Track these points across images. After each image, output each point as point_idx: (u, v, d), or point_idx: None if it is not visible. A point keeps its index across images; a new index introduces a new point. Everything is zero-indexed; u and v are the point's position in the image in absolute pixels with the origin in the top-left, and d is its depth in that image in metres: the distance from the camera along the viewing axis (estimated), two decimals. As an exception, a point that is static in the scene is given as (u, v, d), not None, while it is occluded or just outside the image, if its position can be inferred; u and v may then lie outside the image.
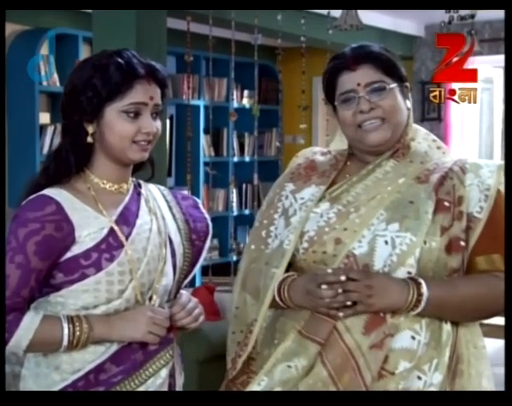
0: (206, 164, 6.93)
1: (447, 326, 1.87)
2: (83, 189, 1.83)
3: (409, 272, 1.84)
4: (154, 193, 1.96)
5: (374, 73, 1.92)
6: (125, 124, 1.80)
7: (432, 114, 8.09)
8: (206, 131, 7.06)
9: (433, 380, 1.83)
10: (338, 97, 1.96)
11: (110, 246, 1.79)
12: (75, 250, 1.77)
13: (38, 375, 1.81)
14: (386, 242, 1.85)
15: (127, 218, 1.84)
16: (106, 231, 1.79)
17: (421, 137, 2.03)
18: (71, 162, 1.82)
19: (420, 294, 1.81)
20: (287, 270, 1.93)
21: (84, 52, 5.87)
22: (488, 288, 1.87)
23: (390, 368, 1.82)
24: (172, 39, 5.63)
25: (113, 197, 1.86)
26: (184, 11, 4.99)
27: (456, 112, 7.95)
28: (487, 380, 1.92)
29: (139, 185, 1.95)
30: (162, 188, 2.01)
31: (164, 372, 1.85)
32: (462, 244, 1.87)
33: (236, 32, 5.14)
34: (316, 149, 2.12)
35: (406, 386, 1.82)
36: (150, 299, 1.84)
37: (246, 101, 7.45)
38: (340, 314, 1.82)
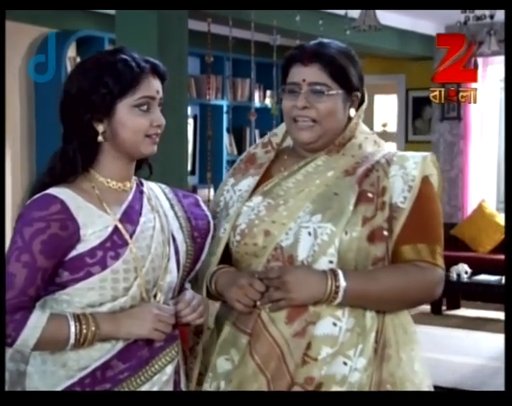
0: (229, 163, 6.91)
1: (371, 313, 1.88)
2: (87, 187, 1.80)
3: (330, 261, 1.86)
4: (155, 191, 1.94)
5: (321, 74, 1.93)
6: (138, 118, 1.78)
7: (451, 113, 7.99)
8: (229, 130, 7.05)
9: (357, 365, 1.85)
10: (285, 86, 1.98)
11: (115, 244, 1.76)
12: (80, 249, 1.74)
13: (44, 373, 1.79)
14: (309, 233, 1.88)
15: (130, 216, 1.82)
16: (110, 229, 1.76)
17: (358, 131, 2.03)
18: (77, 162, 1.79)
19: (337, 286, 1.83)
20: (227, 261, 1.98)
21: (109, 54, 5.86)
22: (408, 278, 1.88)
23: (313, 354, 1.84)
24: (196, 40, 5.62)
25: (117, 195, 1.83)
26: (205, 13, 4.96)
27: (476, 111, 7.85)
28: (420, 364, 1.94)
29: (141, 183, 1.92)
30: (163, 186, 1.98)
31: (169, 369, 1.82)
32: (385, 233, 1.88)
33: (256, 33, 5.10)
34: (259, 141, 2.14)
35: (331, 371, 1.84)
36: (155, 296, 1.81)
37: (268, 101, 7.42)
38: (267, 310, 1.86)
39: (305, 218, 1.89)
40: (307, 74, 1.93)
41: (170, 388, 1.84)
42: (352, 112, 1.98)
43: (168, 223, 1.87)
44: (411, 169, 1.92)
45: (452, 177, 8.07)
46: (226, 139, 7.13)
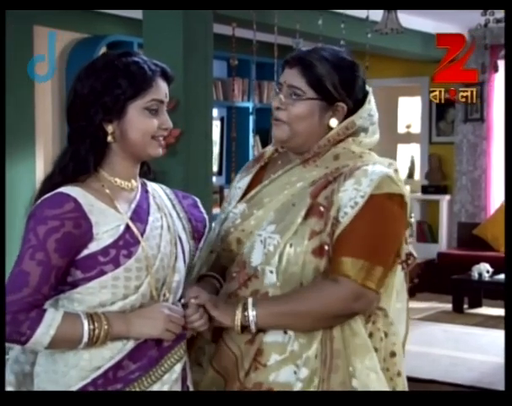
0: (255, 163, 6.86)
1: None
2: (97, 187, 1.77)
3: (271, 271, 1.84)
4: (158, 191, 1.92)
5: (298, 78, 1.89)
6: (147, 120, 1.76)
7: (474, 115, 7.90)
8: (255, 131, 7.02)
9: (300, 375, 1.82)
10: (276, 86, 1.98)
11: (127, 243, 1.72)
12: (93, 247, 1.70)
13: (56, 373, 1.74)
14: (261, 241, 1.87)
15: (140, 215, 1.79)
16: (122, 228, 1.73)
17: (342, 141, 1.93)
18: (89, 162, 1.76)
19: (246, 315, 1.81)
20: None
21: (138, 58, 5.88)
22: (321, 295, 1.80)
23: (263, 361, 1.84)
24: (223, 44, 5.60)
25: (125, 195, 1.80)
26: (230, 17, 4.93)
27: (498, 113, 7.73)
28: (376, 374, 1.84)
29: (145, 183, 1.90)
30: (164, 187, 1.96)
31: (178, 367, 1.80)
32: (326, 248, 1.82)
33: (280, 36, 5.06)
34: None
35: (280, 378, 1.82)
36: (164, 295, 1.79)
37: (293, 103, 7.35)
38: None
39: (264, 227, 1.88)
40: (287, 76, 1.91)
41: (179, 386, 1.81)
42: (334, 122, 1.90)
43: (173, 223, 1.85)
44: (364, 186, 1.81)
45: (475, 177, 7.98)
46: (252, 140, 7.09)
